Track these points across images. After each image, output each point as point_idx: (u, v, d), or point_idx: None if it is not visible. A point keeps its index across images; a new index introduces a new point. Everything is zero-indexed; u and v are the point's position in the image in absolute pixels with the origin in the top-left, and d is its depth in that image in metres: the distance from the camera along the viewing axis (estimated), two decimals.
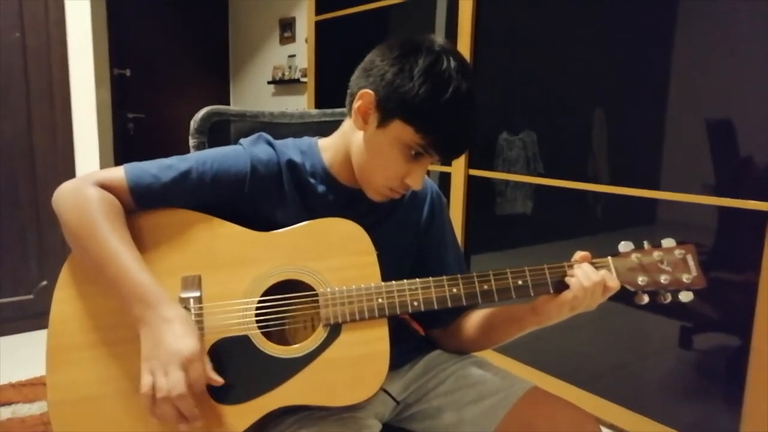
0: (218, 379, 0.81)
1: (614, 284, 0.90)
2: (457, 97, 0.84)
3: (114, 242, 0.83)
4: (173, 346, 0.78)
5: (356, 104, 0.91)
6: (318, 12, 3.04)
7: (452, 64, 0.85)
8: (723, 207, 1.59)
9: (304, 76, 4.32)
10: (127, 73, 4.84)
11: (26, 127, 2.47)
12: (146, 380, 0.78)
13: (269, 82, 4.87)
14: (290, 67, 4.68)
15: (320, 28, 3.05)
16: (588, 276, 0.88)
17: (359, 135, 0.93)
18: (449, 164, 2.31)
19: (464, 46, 2.19)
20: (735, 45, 1.56)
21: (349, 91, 0.94)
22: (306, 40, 3.19)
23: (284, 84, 4.76)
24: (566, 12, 1.97)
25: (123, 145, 4.86)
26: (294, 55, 4.65)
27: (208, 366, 0.81)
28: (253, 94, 5.21)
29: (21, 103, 2.45)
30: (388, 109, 0.87)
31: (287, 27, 4.69)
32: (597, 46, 1.90)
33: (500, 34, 2.18)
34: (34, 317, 2.49)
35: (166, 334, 0.79)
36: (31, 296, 2.54)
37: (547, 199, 2.10)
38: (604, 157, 1.91)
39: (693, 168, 1.67)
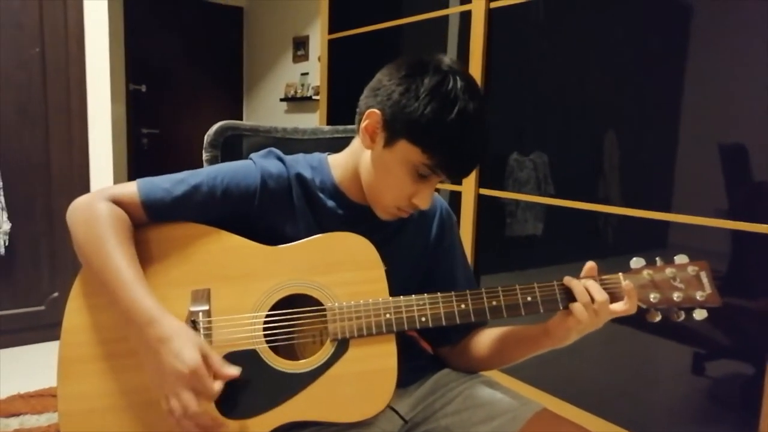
0: (231, 373, 0.80)
1: (632, 306, 0.88)
2: (463, 117, 0.84)
3: (117, 259, 0.83)
4: (173, 366, 0.77)
5: (363, 123, 0.92)
6: (331, 31, 3.07)
7: (459, 84, 0.85)
8: (736, 232, 1.57)
9: (317, 93, 4.36)
10: (143, 89, 4.91)
11: (44, 140, 2.51)
12: (163, 404, 0.78)
13: (282, 100, 4.93)
14: (303, 85, 4.73)
15: (333, 46, 3.08)
16: (597, 289, 0.87)
17: (367, 154, 0.94)
18: (459, 183, 2.31)
19: (476, 65, 2.20)
20: (748, 68, 1.55)
21: (357, 110, 0.95)
22: (319, 59, 3.23)
23: (296, 101, 4.81)
24: (578, 33, 1.99)
25: (137, 160, 4.92)
26: (307, 73, 4.71)
27: (220, 367, 0.79)
28: (265, 110, 5.26)
29: (40, 116, 2.49)
30: (394, 128, 0.87)
31: (300, 45, 4.76)
32: (609, 67, 1.91)
33: (512, 55, 2.19)
34: (45, 328, 2.50)
35: (165, 355, 0.78)
36: (42, 307, 2.55)
37: (558, 220, 2.09)
38: (616, 179, 1.90)
39: (706, 192, 1.66)
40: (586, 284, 0.88)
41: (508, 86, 2.20)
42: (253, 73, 5.45)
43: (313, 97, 4.52)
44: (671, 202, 1.73)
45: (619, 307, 0.87)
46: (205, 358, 0.78)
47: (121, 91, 4.78)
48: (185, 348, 0.78)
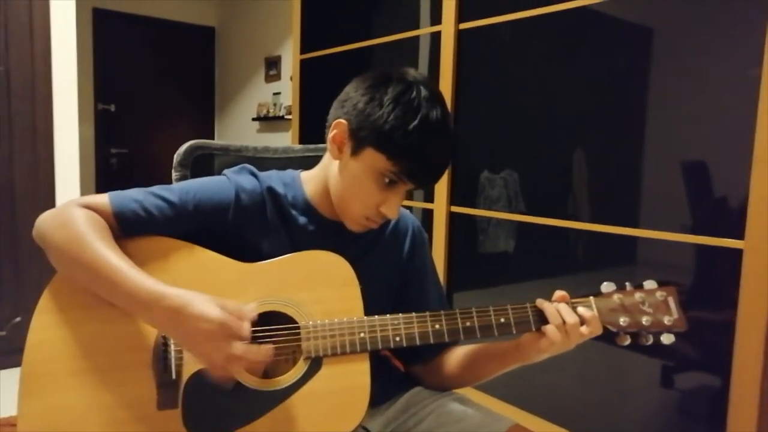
0: (252, 313, 0.82)
1: (596, 329, 0.90)
2: (426, 124, 0.86)
3: (106, 252, 0.83)
4: (200, 327, 0.78)
5: (331, 134, 0.93)
6: (303, 51, 3.09)
7: (422, 93, 0.88)
8: (700, 246, 1.62)
9: (289, 113, 4.36)
10: (112, 108, 4.86)
11: (7, 160, 2.45)
12: (205, 362, 0.82)
13: (254, 119, 4.91)
14: (275, 105, 4.73)
15: (305, 66, 3.10)
16: (568, 311, 0.90)
17: (336, 165, 0.95)
18: (431, 200, 2.33)
19: (446, 85, 2.24)
20: (707, 87, 1.61)
21: (327, 123, 0.97)
22: (291, 78, 3.24)
23: (269, 121, 4.80)
24: (545, 54, 2.03)
25: (106, 180, 4.85)
26: (279, 93, 4.71)
27: (240, 309, 0.81)
28: (237, 130, 5.24)
29: (3, 136, 2.44)
30: (360, 137, 0.89)
31: (273, 65, 4.77)
32: (576, 87, 1.95)
33: (482, 75, 2.23)
34: (6, 355, 2.41)
35: (187, 322, 0.79)
36: (3, 333, 2.47)
37: (529, 237, 2.12)
38: (585, 197, 1.94)
39: (671, 208, 1.70)
40: (558, 307, 0.90)
41: (478, 105, 2.24)
42: (224, 92, 5.43)
43: (286, 117, 4.52)
44: (639, 218, 1.77)
45: (586, 330, 0.90)
46: (224, 308, 0.80)
47: (90, 111, 4.72)
48: (204, 307, 0.79)
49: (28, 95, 2.48)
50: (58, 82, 2.56)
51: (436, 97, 0.89)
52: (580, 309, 0.91)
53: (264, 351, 0.81)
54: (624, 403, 1.85)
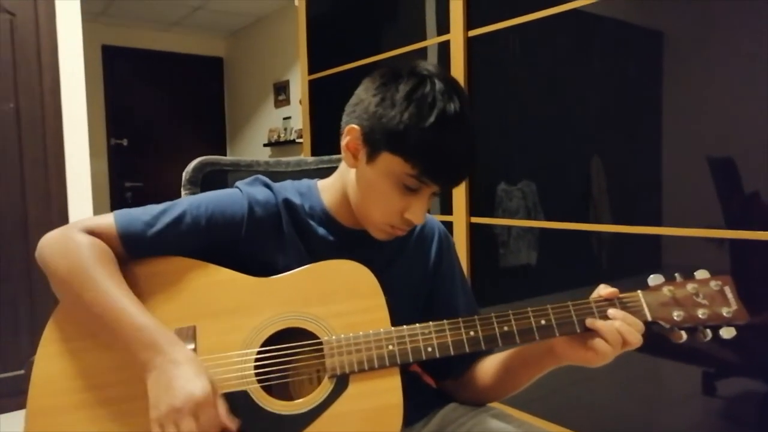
0: (231, 425, 0.74)
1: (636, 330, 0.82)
2: (443, 120, 0.79)
3: (110, 287, 0.78)
4: (185, 388, 0.72)
5: (344, 141, 0.88)
6: (311, 72, 3.07)
7: (437, 86, 0.81)
8: (736, 244, 1.53)
9: (300, 137, 4.35)
10: (125, 143, 4.89)
11: (20, 197, 2.44)
12: (154, 428, 0.73)
13: (265, 145, 4.92)
14: (286, 129, 4.73)
15: (314, 87, 3.07)
16: (630, 332, 0.80)
17: (353, 173, 0.89)
18: (450, 212, 2.27)
19: None
20: (720, 84, 1.54)
21: (340, 130, 0.91)
22: (300, 102, 3.22)
23: (280, 146, 4.80)
24: (558, 59, 1.98)
25: None
26: (289, 117, 4.72)
27: (223, 409, 0.74)
28: (249, 157, 5.25)
29: (15, 173, 2.43)
30: (374, 141, 0.83)
31: (281, 90, 4.78)
32: (590, 90, 1.90)
33: (494, 83, 2.18)
34: (24, 394, 2.37)
35: (177, 377, 0.73)
36: (22, 371, 2.43)
37: (552, 248, 2.05)
38: (606, 202, 1.87)
39: (699, 206, 1.62)
40: (617, 327, 0.80)
41: (491, 114, 2.19)
42: (235, 120, 5.46)
43: (297, 141, 4.52)
44: (665, 219, 1.69)
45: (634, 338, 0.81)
46: (214, 394, 0.74)
47: (103, 146, 4.76)
48: (201, 375, 0.74)
49: (39, 131, 2.49)
50: (68, 117, 2.56)
51: (453, 89, 0.83)
52: (613, 316, 0.82)
53: None
54: (667, 412, 1.76)
